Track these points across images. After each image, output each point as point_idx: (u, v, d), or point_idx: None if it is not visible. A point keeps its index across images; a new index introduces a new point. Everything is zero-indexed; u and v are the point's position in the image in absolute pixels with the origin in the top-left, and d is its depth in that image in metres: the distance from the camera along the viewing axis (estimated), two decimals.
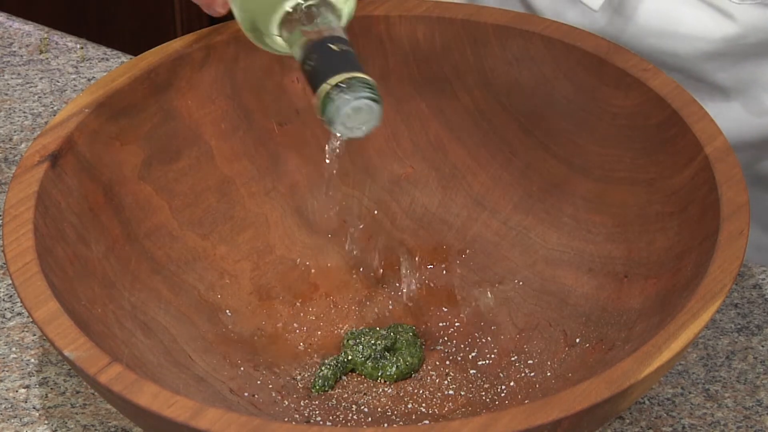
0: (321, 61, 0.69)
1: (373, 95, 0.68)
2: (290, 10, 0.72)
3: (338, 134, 0.69)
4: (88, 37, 1.10)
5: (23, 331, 0.83)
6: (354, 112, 0.68)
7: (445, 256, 0.84)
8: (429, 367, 0.79)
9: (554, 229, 0.82)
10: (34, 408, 0.78)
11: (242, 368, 0.78)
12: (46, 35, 1.09)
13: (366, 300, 0.83)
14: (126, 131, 0.79)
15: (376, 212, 0.86)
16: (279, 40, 0.73)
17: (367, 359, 0.78)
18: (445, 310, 0.82)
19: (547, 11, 0.95)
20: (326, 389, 0.77)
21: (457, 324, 0.81)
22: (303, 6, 0.72)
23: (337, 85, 0.68)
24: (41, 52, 1.07)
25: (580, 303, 0.79)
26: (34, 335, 0.83)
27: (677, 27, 0.91)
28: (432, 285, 0.83)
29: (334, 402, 0.76)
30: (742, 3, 0.89)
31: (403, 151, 0.86)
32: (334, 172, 0.80)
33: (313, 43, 0.70)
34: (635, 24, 0.92)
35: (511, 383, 0.77)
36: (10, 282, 0.83)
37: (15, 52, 1.07)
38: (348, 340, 0.79)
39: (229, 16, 0.79)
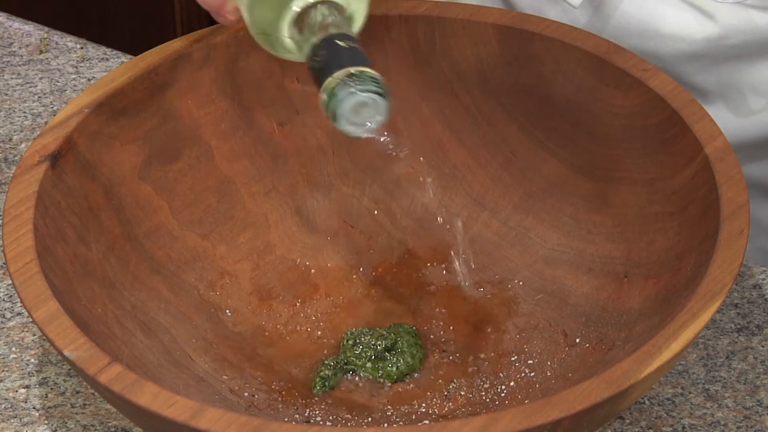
0: (327, 57, 0.68)
1: (378, 89, 0.67)
2: (299, 10, 0.71)
3: (344, 131, 0.68)
4: (88, 37, 1.10)
5: (23, 331, 0.83)
6: (359, 106, 0.67)
7: (445, 256, 0.84)
8: (429, 367, 0.79)
9: (554, 229, 0.82)
10: (34, 408, 0.78)
11: (242, 368, 0.78)
12: (46, 35, 1.09)
13: (366, 300, 0.83)
14: (126, 131, 0.79)
15: (376, 212, 0.86)
16: (289, 42, 0.73)
17: (368, 359, 0.78)
18: (445, 310, 0.82)
19: (528, 9, 0.94)
20: (326, 389, 0.77)
21: (457, 324, 0.81)
22: (311, 5, 0.71)
23: (342, 80, 0.67)
24: (41, 52, 1.07)
25: (580, 303, 0.79)
26: (34, 335, 0.83)
27: (658, 27, 0.91)
28: (432, 285, 0.83)
29: (334, 402, 0.76)
30: (724, 2, 0.89)
31: None
32: None
33: (320, 41, 0.69)
34: (616, 23, 0.92)
35: (511, 383, 0.77)
36: (10, 282, 0.83)
37: (15, 52, 1.07)
38: (348, 340, 0.79)
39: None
